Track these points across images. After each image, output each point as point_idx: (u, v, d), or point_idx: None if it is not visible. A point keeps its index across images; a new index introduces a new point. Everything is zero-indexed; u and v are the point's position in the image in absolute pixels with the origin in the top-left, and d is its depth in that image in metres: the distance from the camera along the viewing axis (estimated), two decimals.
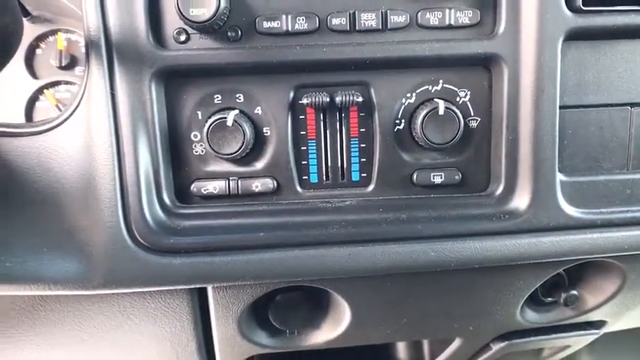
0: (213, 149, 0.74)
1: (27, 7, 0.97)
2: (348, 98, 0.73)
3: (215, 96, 0.75)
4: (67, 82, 0.99)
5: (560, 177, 0.76)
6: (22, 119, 0.98)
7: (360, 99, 0.74)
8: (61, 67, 0.98)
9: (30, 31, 0.99)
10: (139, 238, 0.73)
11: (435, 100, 0.74)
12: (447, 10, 0.72)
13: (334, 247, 0.75)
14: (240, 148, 0.73)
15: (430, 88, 0.76)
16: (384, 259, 0.76)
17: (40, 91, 0.99)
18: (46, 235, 0.73)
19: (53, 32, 1.00)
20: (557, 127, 0.74)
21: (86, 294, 0.77)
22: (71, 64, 0.99)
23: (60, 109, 0.99)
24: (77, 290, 0.74)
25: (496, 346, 0.97)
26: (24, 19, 0.88)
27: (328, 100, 0.73)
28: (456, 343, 0.99)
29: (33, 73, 0.99)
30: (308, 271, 0.76)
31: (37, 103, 0.99)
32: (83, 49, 0.98)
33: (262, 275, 0.76)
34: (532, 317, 0.96)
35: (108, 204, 0.72)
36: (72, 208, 0.73)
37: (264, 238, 0.75)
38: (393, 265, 0.76)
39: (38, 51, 1.00)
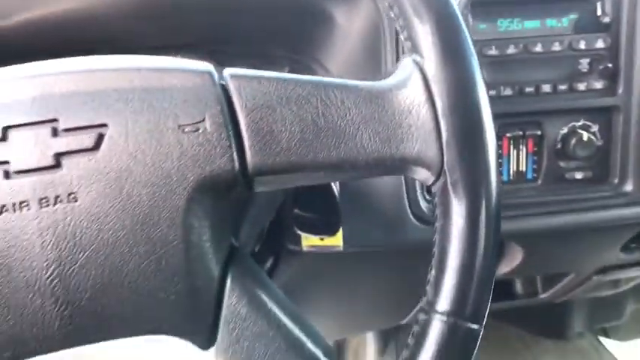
0: None
1: None
2: (533, 133, 1.27)
3: None
4: None
5: None
6: None
7: (539, 132, 1.28)
8: None
9: None
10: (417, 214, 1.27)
11: (579, 131, 1.29)
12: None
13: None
14: None
15: (576, 124, 1.30)
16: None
17: None
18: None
19: None
20: None
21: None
22: None
23: None
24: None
25: (596, 278, 1.52)
26: None
27: (522, 133, 1.28)
28: (569, 277, 1.54)
29: None
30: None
31: None
32: None
33: None
34: (628, 256, 1.52)
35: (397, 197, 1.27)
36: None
37: None
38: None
39: None
